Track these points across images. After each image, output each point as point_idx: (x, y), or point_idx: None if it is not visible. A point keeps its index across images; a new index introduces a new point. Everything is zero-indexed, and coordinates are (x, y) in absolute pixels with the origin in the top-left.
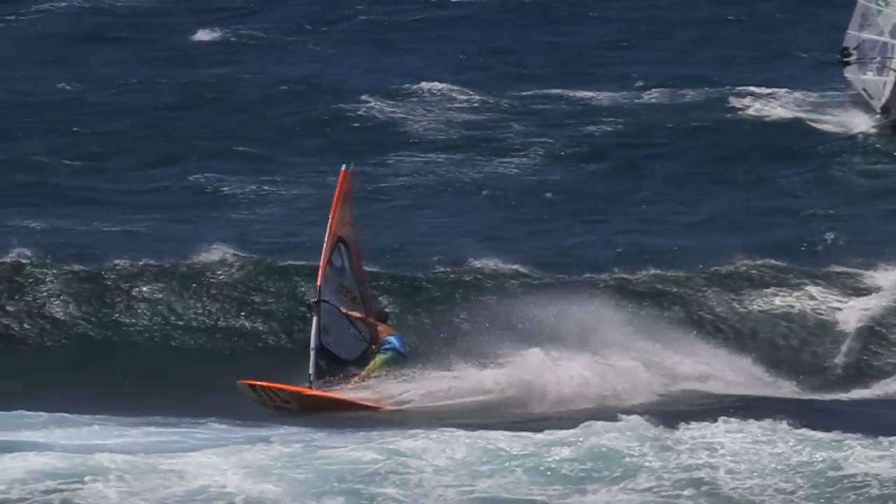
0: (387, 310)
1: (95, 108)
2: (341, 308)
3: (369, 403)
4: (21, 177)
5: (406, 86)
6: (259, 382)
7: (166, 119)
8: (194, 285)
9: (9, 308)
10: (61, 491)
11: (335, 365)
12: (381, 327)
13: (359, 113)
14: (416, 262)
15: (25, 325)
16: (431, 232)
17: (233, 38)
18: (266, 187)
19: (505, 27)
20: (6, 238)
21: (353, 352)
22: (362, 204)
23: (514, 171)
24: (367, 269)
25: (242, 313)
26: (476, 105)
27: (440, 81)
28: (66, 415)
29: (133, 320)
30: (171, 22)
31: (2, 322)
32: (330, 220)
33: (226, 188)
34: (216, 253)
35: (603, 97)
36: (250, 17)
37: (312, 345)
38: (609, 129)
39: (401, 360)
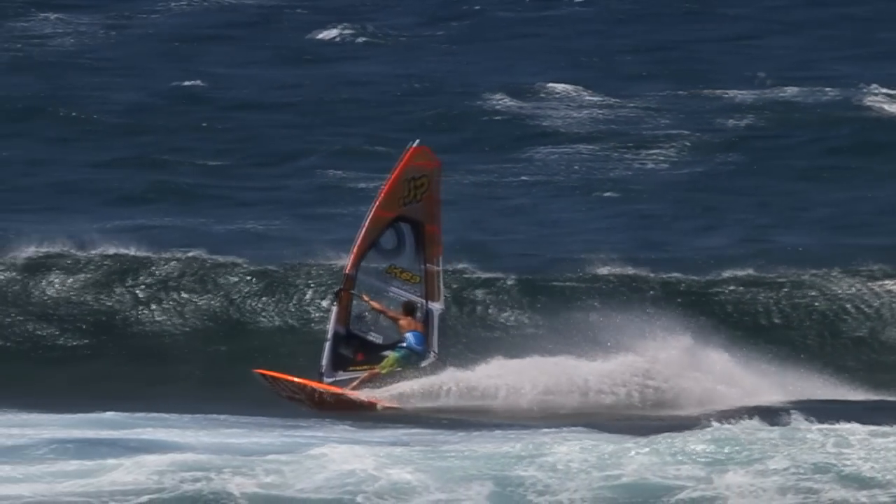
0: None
1: (219, 105)
2: (364, 296)
3: (365, 401)
4: (148, 175)
5: (531, 83)
6: (270, 372)
7: (291, 117)
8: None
9: (138, 303)
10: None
11: (366, 351)
12: (403, 321)
13: (486, 110)
14: (544, 259)
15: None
16: (564, 228)
17: (354, 36)
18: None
19: (628, 24)
20: (135, 234)
21: (391, 336)
22: (495, 200)
23: (646, 167)
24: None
25: None
26: (603, 102)
27: (565, 78)
28: (200, 416)
29: (263, 321)
30: (293, 20)
31: (132, 322)
32: (377, 200)
33: (353, 185)
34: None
35: (732, 94)
36: (371, 15)
37: (329, 335)
38: (740, 125)
39: (415, 358)
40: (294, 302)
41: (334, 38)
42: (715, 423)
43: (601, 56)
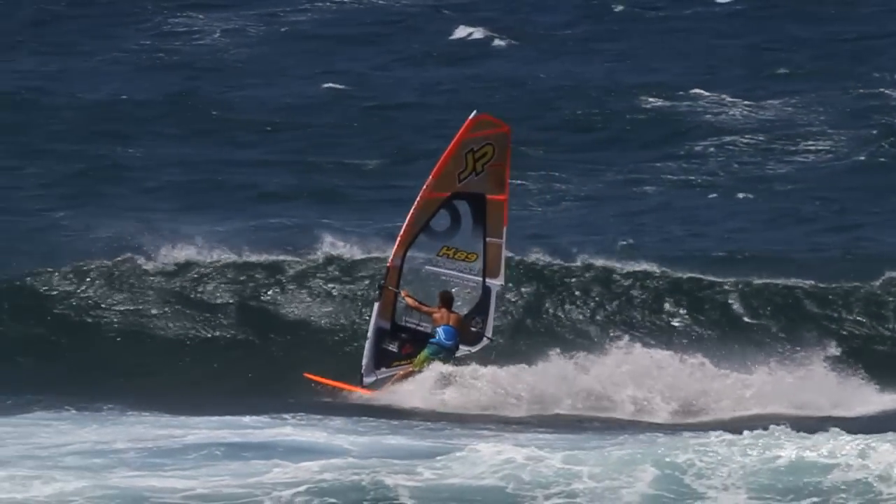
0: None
1: (361, 106)
2: (402, 292)
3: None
4: (287, 178)
5: (675, 81)
6: (316, 378)
7: (437, 118)
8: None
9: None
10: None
11: (415, 342)
12: (437, 314)
13: (631, 108)
14: (693, 258)
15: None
16: (717, 227)
17: (497, 36)
18: (556, 185)
19: (770, 21)
20: (279, 233)
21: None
22: (645, 196)
23: (802, 164)
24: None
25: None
26: (749, 100)
27: (710, 76)
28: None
29: None
30: (435, 20)
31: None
32: (427, 183)
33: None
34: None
35: (888, 91)
36: (513, 16)
37: (369, 333)
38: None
39: (445, 354)
40: None
41: (477, 37)
42: None
43: (745, 54)
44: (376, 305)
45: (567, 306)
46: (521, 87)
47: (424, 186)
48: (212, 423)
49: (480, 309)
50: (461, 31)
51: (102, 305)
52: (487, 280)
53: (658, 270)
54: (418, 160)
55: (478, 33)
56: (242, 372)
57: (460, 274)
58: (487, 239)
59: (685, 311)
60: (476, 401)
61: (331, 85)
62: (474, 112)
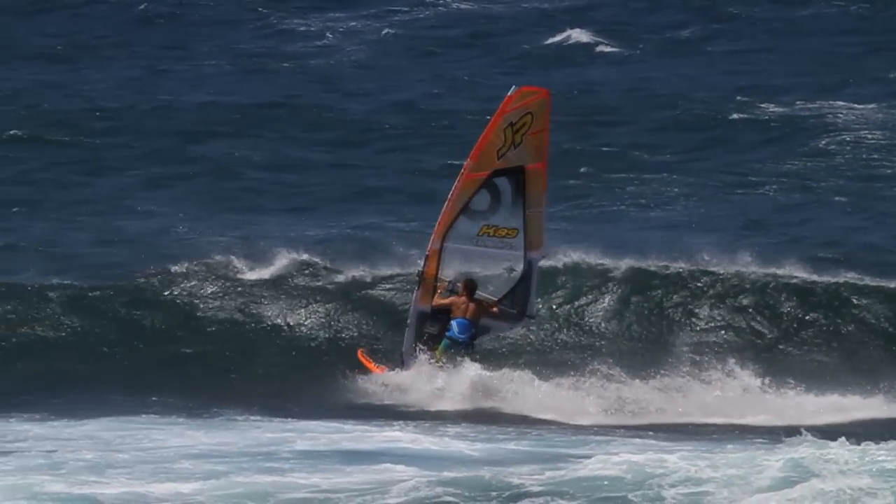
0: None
1: (458, 112)
2: (439, 285)
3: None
4: (392, 180)
5: (783, 83)
6: (364, 359)
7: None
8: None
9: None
10: None
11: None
12: (457, 305)
13: (738, 111)
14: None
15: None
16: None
17: (598, 40)
18: (670, 187)
19: (882, 22)
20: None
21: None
22: (764, 196)
23: None
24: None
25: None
26: (860, 104)
27: (819, 79)
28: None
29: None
30: (534, 23)
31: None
32: (468, 163)
33: (607, 190)
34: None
35: None
36: (614, 19)
37: (410, 320)
38: None
39: (457, 347)
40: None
41: (578, 41)
42: None
43: (864, 53)
44: (416, 292)
45: (697, 314)
46: (631, 89)
47: (463, 168)
48: (323, 427)
49: (522, 285)
50: (560, 35)
51: (209, 308)
52: (529, 253)
53: (789, 274)
54: None
55: (578, 37)
56: (343, 376)
57: (502, 251)
58: (528, 211)
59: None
60: (594, 407)
61: (429, 89)
62: (513, 87)
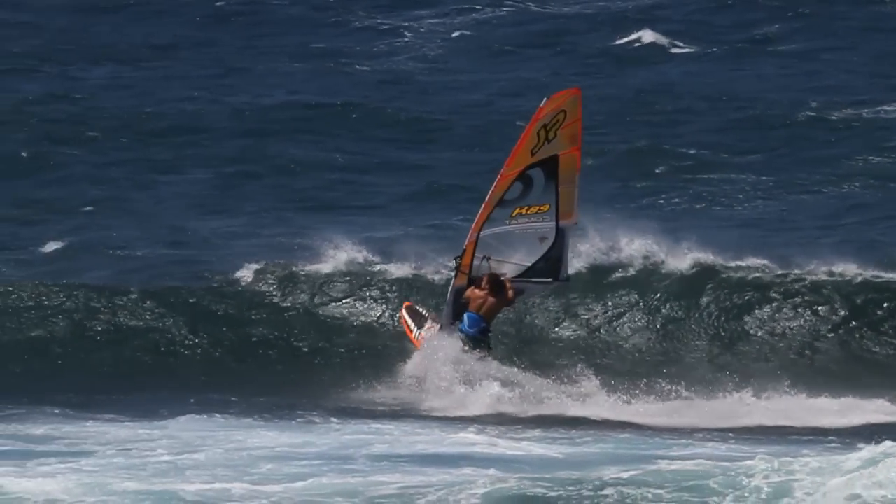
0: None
1: (532, 112)
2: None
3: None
4: (465, 180)
5: (857, 87)
6: (405, 321)
7: (609, 122)
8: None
9: None
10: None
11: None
12: (475, 299)
13: (808, 115)
14: None
15: None
16: None
17: (667, 41)
18: (749, 188)
19: None
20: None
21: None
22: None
23: None
24: None
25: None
26: None
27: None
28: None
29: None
30: (601, 24)
31: None
32: (503, 170)
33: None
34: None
35: None
36: (683, 19)
37: (448, 296)
38: None
39: (469, 340)
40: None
41: (651, 41)
42: None
43: None
44: (453, 280)
45: (776, 316)
46: (705, 88)
47: (500, 175)
48: (398, 430)
49: (554, 251)
50: (641, 34)
51: (284, 308)
52: (561, 222)
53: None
54: (619, 171)
55: (658, 36)
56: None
57: (534, 224)
58: (560, 187)
59: None
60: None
61: (510, 89)
62: (545, 99)
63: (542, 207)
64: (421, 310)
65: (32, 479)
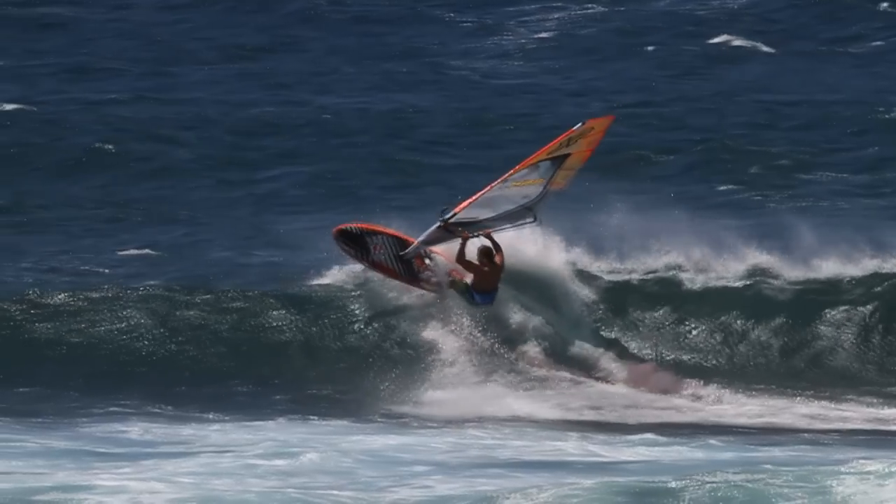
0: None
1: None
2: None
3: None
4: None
5: None
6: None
7: (691, 125)
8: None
9: None
10: None
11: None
12: (478, 279)
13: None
14: None
15: None
16: None
17: (753, 44)
18: (846, 188)
19: None
20: None
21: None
22: None
23: None
24: None
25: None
26: None
27: None
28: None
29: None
30: (686, 24)
31: None
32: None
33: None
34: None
35: None
36: (766, 21)
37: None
38: None
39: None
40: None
41: (736, 44)
42: None
43: None
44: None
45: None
46: (794, 90)
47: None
48: (490, 438)
49: (530, 204)
50: (717, 37)
51: (386, 313)
52: (549, 188)
53: None
54: (683, 171)
55: (739, 39)
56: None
57: (522, 190)
58: (560, 171)
59: None
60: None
61: (600, 88)
62: (580, 124)
63: (537, 181)
64: (352, 228)
65: (132, 481)
